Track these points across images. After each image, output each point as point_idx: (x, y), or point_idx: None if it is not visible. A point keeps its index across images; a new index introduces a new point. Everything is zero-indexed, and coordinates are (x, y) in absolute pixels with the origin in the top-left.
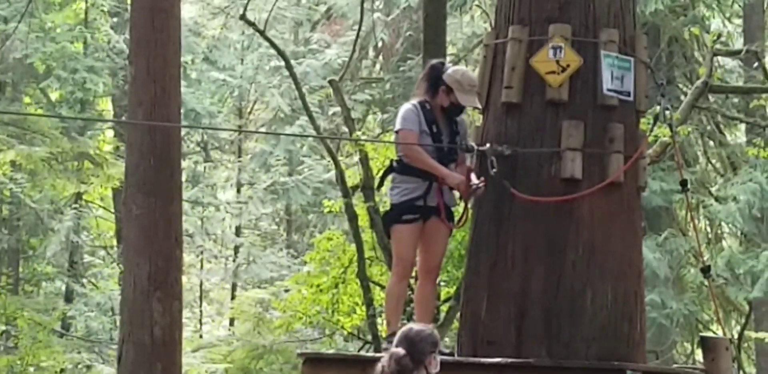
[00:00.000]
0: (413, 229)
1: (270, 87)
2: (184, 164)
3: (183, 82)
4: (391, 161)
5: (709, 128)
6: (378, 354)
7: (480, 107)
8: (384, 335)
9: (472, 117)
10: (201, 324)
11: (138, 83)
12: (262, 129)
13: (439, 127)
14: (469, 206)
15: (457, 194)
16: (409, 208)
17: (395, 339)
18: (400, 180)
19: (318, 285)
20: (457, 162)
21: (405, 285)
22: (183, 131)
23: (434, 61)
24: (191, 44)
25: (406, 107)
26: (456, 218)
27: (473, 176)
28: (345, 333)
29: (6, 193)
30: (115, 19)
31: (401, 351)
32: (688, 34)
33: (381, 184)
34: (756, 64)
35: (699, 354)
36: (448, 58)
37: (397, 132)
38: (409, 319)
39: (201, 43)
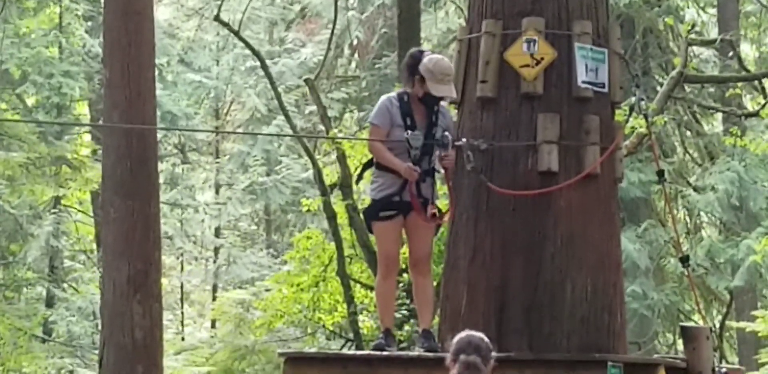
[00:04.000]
0: (393, 225)
1: (246, 87)
2: (161, 166)
3: (159, 85)
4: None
5: (685, 118)
6: (360, 352)
7: (455, 96)
8: (373, 331)
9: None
10: (183, 326)
11: (113, 86)
12: (239, 130)
13: (413, 119)
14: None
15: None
16: (387, 204)
17: (454, 344)
18: (378, 175)
19: (298, 284)
20: (441, 155)
21: (392, 283)
22: (160, 134)
23: (414, 49)
24: (166, 46)
25: (381, 99)
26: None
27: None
28: (327, 331)
29: None
30: (89, 23)
31: (477, 358)
32: (662, 24)
33: (359, 178)
34: (731, 54)
35: (681, 344)
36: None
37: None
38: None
39: (176, 44)
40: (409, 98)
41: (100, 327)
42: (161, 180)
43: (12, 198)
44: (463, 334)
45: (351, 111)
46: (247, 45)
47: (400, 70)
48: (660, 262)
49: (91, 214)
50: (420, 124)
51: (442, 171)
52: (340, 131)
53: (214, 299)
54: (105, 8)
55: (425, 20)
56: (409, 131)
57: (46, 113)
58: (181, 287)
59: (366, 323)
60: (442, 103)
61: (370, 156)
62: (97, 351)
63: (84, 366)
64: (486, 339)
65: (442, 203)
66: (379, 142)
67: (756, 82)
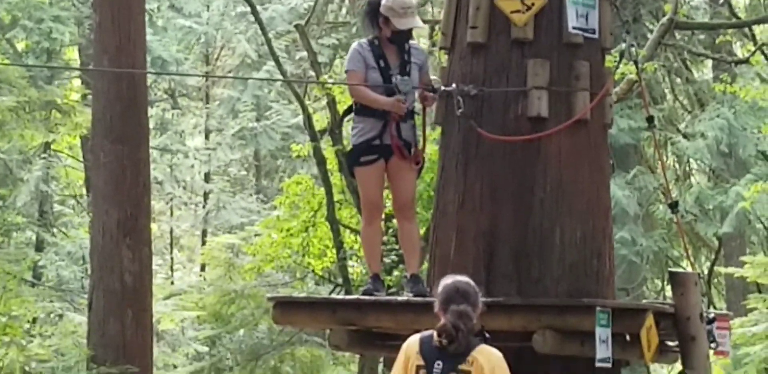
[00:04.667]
0: (374, 170)
1: (236, 33)
2: (151, 111)
3: (149, 30)
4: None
5: (675, 64)
6: (349, 297)
7: (421, 26)
8: (362, 277)
9: (439, 58)
10: (172, 270)
11: (102, 31)
12: (230, 75)
13: (387, 61)
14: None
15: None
16: (367, 148)
17: (441, 292)
18: (358, 121)
19: (288, 229)
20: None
21: (376, 228)
22: (150, 79)
23: None
24: None
25: (352, 46)
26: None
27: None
28: (316, 276)
29: None
30: None
31: (467, 307)
32: None
33: (340, 124)
34: (721, 0)
35: (669, 290)
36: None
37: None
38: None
39: None
40: (379, 41)
41: (89, 272)
42: (151, 125)
43: (1, 143)
44: (449, 281)
45: (341, 57)
46: None
47: (362, 22)
48: (649, 209)
49: (81, 159)
50: (393, 64)
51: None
52: (330, 77)
53: (203, 244)
54: None
55: None
56: (398, 76)
57: (36, 58)
58: (171, 232)
59: (355, 268)
60: (412, 42)
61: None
62: (86, 296)
63: (73, 311)
64: (473, 283)
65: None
66: (361, 86)
67: (746, 29)
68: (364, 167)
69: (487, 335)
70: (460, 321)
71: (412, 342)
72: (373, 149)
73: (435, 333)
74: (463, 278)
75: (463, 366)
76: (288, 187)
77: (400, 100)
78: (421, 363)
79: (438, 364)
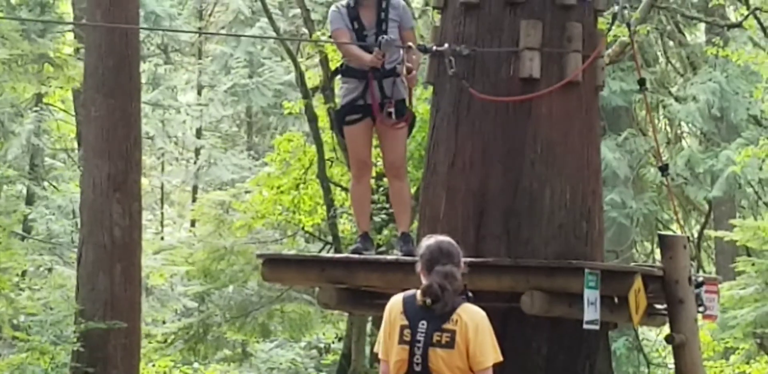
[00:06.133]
0: (360, 129)
1: None
2: (144, 66)
3: None
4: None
5: (668, 27)
6: (338, 255)
7: None
8: (352, 235)
9: (432, 18)
10: (162, 226)
11: None
12: (223, 31)
13: (361, 22)
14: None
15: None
16: (352, 108)
17: (425, 253)
18: (344, 81)
19: (279, 187)
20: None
21: (365, 186)
22: (143, 34)
23: None
24: None
25: (330, 10)
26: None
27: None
28: (306, 234)
29: None
30: None
31: (452, 267)
32: None
33: (331, 82)
34: None
35: (658, 254)
36: None
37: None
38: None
39: None
40: (356, 2)
41: (79, 226)
42: (143, 80)
43: None
44: (431, 241)
45: None
46: None
47: None
48: (639, 171)
49: (73, 113)
50: (369, 24)
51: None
52: (323, 34)
53: (194, 200)
54: None
55: None
56: (384, 36)
57: (30, 11)
58: (161, 187)
59: (345, 226)
60: None
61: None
62: (75, 250)
63: (62, 264)
64: (455, 243)
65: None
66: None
67: None
68: (350, 126)
69: (470, 294)
70: (446, 281)
71: (396, 302)
72: (357, 108)
73: (419, 293)
74: (446, 239)
75: (447, 325)
76: (279, 144)
77: (378, 53)
78: (405, 322)
79: (422, 324)
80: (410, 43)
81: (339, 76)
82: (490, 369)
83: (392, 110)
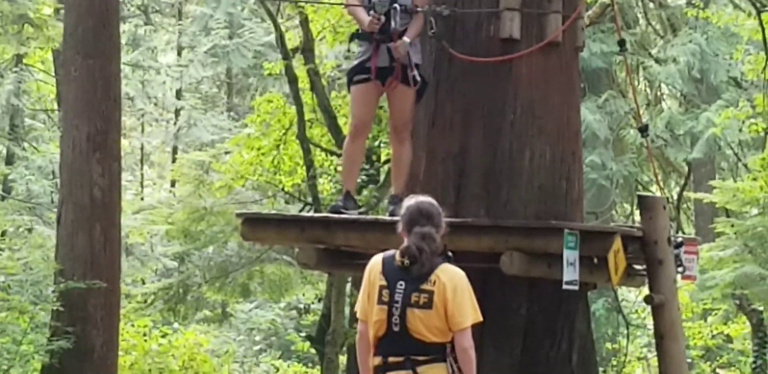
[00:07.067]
0: (364, 89)
1: None
2: (124, 27)
3: None
4: None
5: None
6: (317, 215)
7: None
8: (332, 195)
9: None
10: (142, 187)
11: None
12: None
13: None
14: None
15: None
16: (360, 69)
17: (405, 214)
18: (359, 43)
19: (259, 148)
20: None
21: (359, 146)
22: None
23: None
24: None
25: None
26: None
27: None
28: (286, 194)
29: None
30: None
31: (431, 229)
32: None
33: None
34: None
35: (638, 215)
36: None
37: None
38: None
39: None
40: None
41: (58, 186)
42: (123, 41)
43: None
44: (411, 202)
45: None
46: None
47: None
48: (619, 133)
49: (53, 73)
50: None
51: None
52: None
53: (173, 160)
54: None
55: None
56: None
57: None
58: (141, 148)
59: (325, 186)
60: None
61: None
62: (55, 210)
63: (42, 224)
64: (436, 203)
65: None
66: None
67: None
68: (356, 85)
69: (450, 254)
70: (424, 243)
71: (375, 263)
72: (364, 69)
73: (398, 254)
74: (426, 199)
75: (425, 286)
76: (259, 105)
77: (373, 17)
78: (384, 283)
79: (400, 284)
80: (398, 5)
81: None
82: (469, 329)
83: (415, 73)
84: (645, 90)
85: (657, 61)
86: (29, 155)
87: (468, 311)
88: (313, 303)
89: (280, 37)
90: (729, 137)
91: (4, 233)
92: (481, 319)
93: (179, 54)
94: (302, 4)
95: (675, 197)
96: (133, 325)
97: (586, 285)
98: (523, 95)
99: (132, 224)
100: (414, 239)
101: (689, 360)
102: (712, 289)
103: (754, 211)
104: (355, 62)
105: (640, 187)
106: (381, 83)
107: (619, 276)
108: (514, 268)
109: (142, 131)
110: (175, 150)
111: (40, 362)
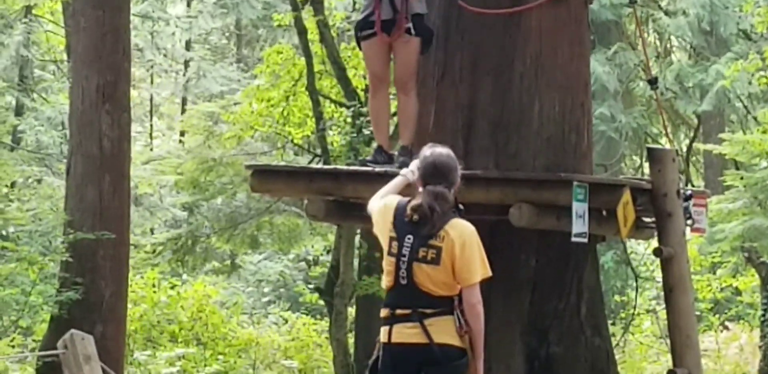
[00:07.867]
0: (373, 43)
1: None
2: None
3: None
4: None
5: None
6: (326, 166)
7: None
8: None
9: None
10: (151, 138)
11: None
12: None
13: None
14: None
15: None
16: (366, 23)
17: (421, 167)
18: None
19: (268, 99)
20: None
21: (381, 100)
22: None
23: None
24: None
25: None
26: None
27: None
28: (295, 146)
29: None
30: None
31: (444, 189)
32: None
33: None
34: None
35: (647, 167)
36: None
37: None
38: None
39: None
40: None
41: (68, 137)
42: None
43: None
44: (428, 153)
45: None
46: None
47: None
48: (629, 85)
49: (62, 24)
50: None
51: None
52: None
53: (183, 111)
54: None
55: None
56: None
57: None
58: (151, 99)
59: (335, 138)
60: None
61: None
62: (65, 161)
63: (51, 175)
64: (452, 155)
65: None
66: None
67: None
68: (364, 41)
69: (462, 207)
70: (436, 202)
71: (390, 207)
72: (370, 24)
73: (409, 207)
74: (444, 151)
75: (433, 242)
76: (269, 56)
77: None
78: (393, 234)
79: (408, 238)
80: None
81: None
82: (477, 285)
83: (410, 25)
84: (654, 42)
85: (666, 13)
86: (39, 106)
87: (476, 267)
88: (321, 254)
89: None
90: (738, 89)
91: (13, 184)
92: (490, 274)
93: (188, 5)
94: None
95: (684, 149)
96: (142, 277)
97: (595, 237)
98: (532, 47)
99: (141, 175)
100: (427, 198)
101: (698, 313)
102: (721, 242)
103: (764, 163)
104: (361, 17)
105: (649, 139)
106: (387, 35)
107: (628, 229)
108: (523, 220)
109: (152, 82)
110: (184, 101)
111: (48, 313)
